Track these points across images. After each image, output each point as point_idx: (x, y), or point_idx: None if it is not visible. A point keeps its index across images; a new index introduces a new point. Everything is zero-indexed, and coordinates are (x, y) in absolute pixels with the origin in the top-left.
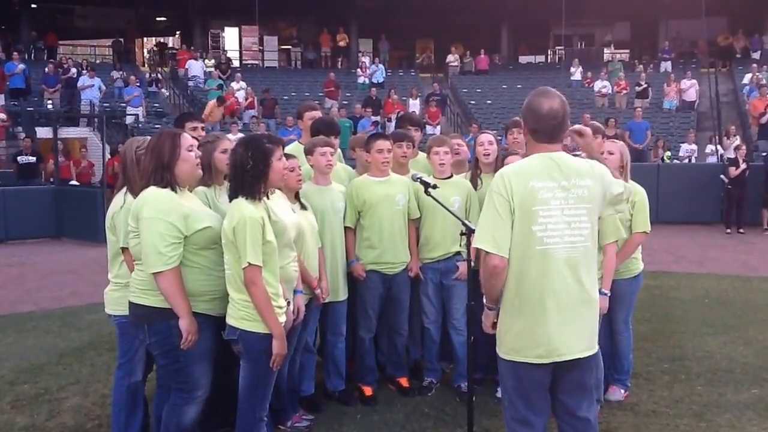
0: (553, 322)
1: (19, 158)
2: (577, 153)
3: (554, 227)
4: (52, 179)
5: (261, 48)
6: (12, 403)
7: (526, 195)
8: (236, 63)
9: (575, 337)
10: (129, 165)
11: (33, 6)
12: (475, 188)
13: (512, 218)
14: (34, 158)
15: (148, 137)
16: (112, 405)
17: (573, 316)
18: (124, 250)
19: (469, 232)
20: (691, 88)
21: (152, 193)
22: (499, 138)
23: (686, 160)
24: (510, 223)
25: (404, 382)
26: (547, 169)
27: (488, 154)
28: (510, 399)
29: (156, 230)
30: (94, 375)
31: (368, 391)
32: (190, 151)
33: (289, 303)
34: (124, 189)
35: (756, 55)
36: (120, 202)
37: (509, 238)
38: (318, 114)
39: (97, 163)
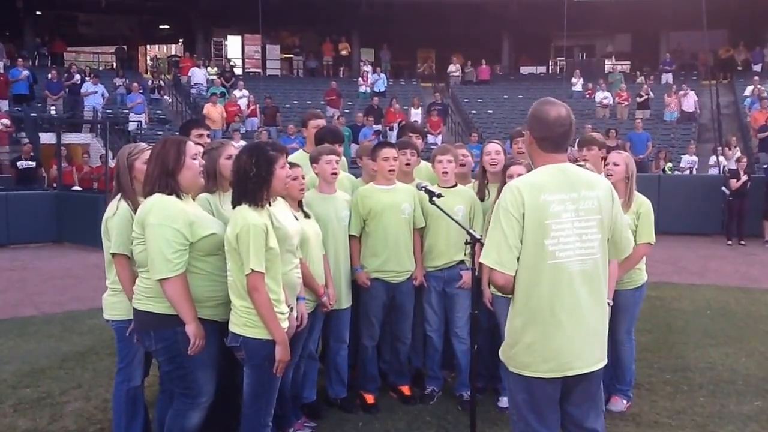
0: (564, 335)
1: (18, 163)
2: (581, 163)
3: (566, 240)
4: (54, 184)
5: (263, 56)
6: (14, 407)
7: (538, 209)
8: (239, 71)
9: (586, 351)
10: (122, 172)
11: (37, 13)
12: (483, 198)
13: (521, 234)
14: (33, 163)
15: (142, 144)
16: (113, 410)
17: (584, 329)
18: (115, 255)
19: (474, 241)
20: (692, 99)
21: (158, 199)
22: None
23: (687, 172)
24: (517, 239)
25: (406, 390)
26: (558, 181)
27: (495, 164)
28: (520, 413)
29: (163, 237)
30: (95, 379)
31: (370, 398)
32: (194, 159)
33: (292, 309)
34: (119, 196)
35: (757, 68)
36: (113, 208)
37: (515, 257)
38: (322, 122)
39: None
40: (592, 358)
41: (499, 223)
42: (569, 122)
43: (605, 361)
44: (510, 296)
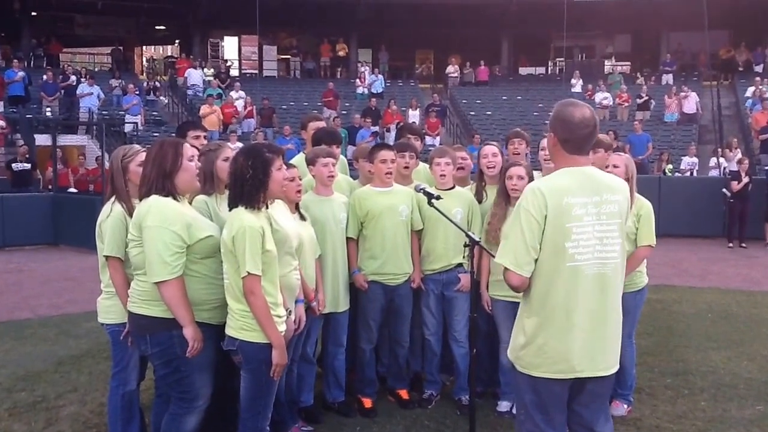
0: (578, 338)
1: (13, 165)
2: None
3: (586, 243)
4: (50, 186)
5: (260, 58)
6: (9, 411)
7: (560, 211)
8: (235, 72)
9: (598, 356)
10: (116, 174)
11: (33, 14)
12: (480, 200)
13: (541, 236)
14: (29, 165)
15: (136, 146)
16: (108, 414)
17: (599, 333)
18: (108, 258)
19: (472, 244)
20: (692, 101)
21: (156, 201)
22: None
23: (687, 174)
24: (536, 241)
25: (404, 394)
26: (581, 184)
27: (492, 167)
28: (528, 413)
29: (161, 239)
30: (91, 383)
31: (368, 402)
32: (191, 161)
33: (290, 312)
34: (113, 198)
35: (759, 69)
36: (107, 210)
37: (532, 259)
38: (322, 124)
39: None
40: (604, 362)
41: (519, 224)
42: (593, 124)
43: (617, 367)
44: (519, 296)
